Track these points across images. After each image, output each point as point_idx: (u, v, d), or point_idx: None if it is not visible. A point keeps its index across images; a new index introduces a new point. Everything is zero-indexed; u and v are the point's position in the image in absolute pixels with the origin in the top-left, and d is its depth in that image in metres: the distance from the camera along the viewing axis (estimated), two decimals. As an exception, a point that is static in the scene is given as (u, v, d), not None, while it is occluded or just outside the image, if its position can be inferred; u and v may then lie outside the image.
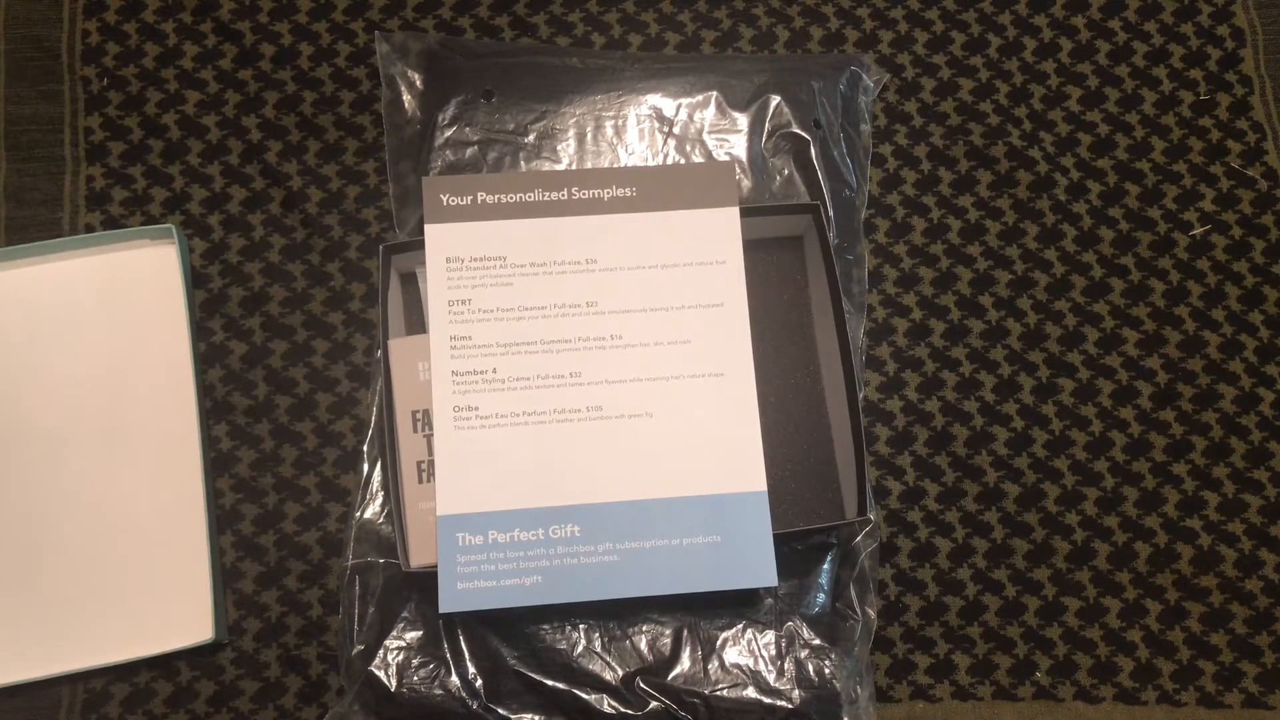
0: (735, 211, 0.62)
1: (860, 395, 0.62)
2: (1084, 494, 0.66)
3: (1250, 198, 0.71)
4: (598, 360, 0.60)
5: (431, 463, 0.58)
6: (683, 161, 0.66)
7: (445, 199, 0.62)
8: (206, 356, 0.66)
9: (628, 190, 0.62)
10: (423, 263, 0.63)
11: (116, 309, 0.65)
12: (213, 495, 0.63)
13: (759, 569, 0.58)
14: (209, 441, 0.65)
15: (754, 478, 0.59)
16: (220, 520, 0.64)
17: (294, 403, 0.66)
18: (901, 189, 0.70)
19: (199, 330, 0.66)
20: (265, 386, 0.66)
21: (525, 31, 0.72)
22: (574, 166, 0.66)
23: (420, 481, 0.57)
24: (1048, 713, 0.63)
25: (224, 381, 0.66)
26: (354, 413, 0.65)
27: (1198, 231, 0.71)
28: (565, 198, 0.62)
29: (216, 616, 0.60)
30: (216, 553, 0.62)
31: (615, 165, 0.66)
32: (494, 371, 0.59)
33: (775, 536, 0.59)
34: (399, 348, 0.59)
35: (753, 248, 0.66)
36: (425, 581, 0.60)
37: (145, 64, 0.71)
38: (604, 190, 0.62)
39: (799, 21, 0.73)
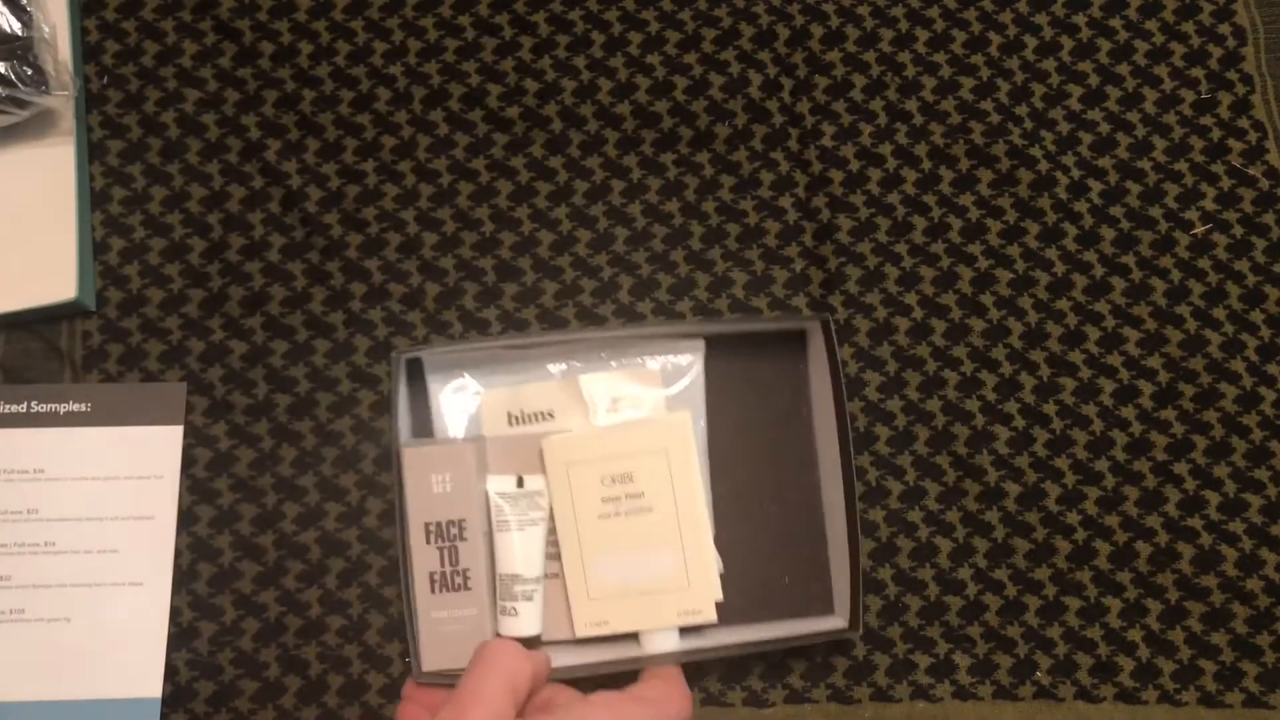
0: (179, 430, 0.64)
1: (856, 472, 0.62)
2: (1085, 493, 0.66)
3: (1252, 196, 0.71)
4: (29, 564, 0.62)
5: (444, 574, 0.58)
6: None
7: None
8: (206, 355, 0.66)
9: (83, 406, 0.64)
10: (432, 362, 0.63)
11: None
12: (85, 174, 0.67)
13: None
14: (85, 124, 0.67)
15: (150, 684, 0.60)
16: (219, 520, 0.64)
17: (294, 402, 0.65)
18: (902, 188, 0.70)
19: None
20: (265, 386, 0.66)
21: (525, 30, 0.72)
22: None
23: (433, 592, 0.58)
24: (1048, 712, 0.63)
25: (224, 381, 0.66)
26: (354, 412, 0.65)
27: (1199, 230, 0.70)
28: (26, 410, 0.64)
29: (82, 280, 0.64)
30: (88, 226, 0.66)
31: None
32: None
33: (764, 643, 0.59)
34: (413, 458, 0.59)
35: (756, 341, 0.65)
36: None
37: (144, 62, 0.71)
38: (60, 405, 0.64)
39: (799, 20, 0.73)
